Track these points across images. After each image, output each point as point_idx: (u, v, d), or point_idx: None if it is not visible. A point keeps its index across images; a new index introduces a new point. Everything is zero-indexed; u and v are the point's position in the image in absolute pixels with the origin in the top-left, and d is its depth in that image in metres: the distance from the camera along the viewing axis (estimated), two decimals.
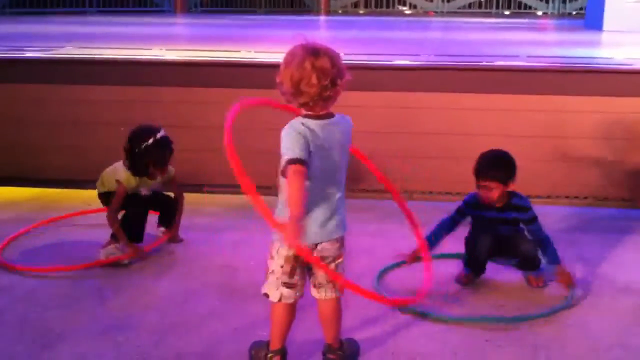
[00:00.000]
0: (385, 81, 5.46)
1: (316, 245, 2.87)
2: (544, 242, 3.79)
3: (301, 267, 2.93)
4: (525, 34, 11.45)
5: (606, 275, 4.09)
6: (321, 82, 2.67)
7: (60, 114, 5.77)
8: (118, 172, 4.20)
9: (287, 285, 2.92)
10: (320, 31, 11.35)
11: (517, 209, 3.79)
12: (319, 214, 2.82)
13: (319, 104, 2.73)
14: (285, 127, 2.74)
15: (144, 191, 4.28)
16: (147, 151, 4.10)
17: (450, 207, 3.96)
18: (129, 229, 4.17)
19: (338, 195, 2.86)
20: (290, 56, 2.72)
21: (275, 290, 2.94)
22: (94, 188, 4.39)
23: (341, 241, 2.94)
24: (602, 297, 3.81)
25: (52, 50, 6.61)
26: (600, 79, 5.37)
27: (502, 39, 9.93)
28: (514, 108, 5.29)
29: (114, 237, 4.17)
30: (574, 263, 4.20)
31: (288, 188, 2.67)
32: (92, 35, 9.94)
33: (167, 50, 6.80)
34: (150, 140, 4.10)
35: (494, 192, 3.72)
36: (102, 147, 5.65)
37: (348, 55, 5.11)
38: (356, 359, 3.14)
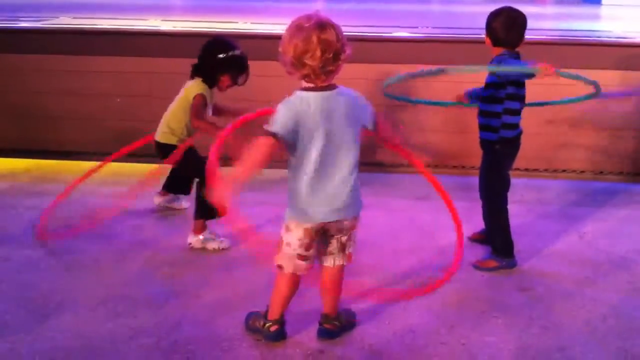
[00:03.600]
0: (381, 53, 5.43)
1: (337, 221, 2.88)
2: (514, 68, 3.57)
3: (318, 238, 2.95)
4: (524, 6, 11.38)
5: (603, 248, 4.10)
6: (325, 55, 2.66)
7: (55, 85, 5.73)
8: (193, 89, 4.08)
9: (303, 257, 2.94)
10: (317, 3, 11.28)
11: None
12: (321, 192, 2.82)
13: (320, 77, 2.72)
14: (285, 99, 2.75)
15: (209, 111, 4.19)
16: (231, 59, 4.04)
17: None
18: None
19: (345, 172, 2.83)
20: (296, 28, 2.70)
21: (289, 262, 2.95)
22: (90, 159, 4.34)
23: (353, 221, 2.95)
24: (599, 270, 3.83)
25: (47, 20, 6.55)
26: (599, 52, 5.34)
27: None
28: None
29: (199, 216, 4.06)
30: (570, 236, 4.23)
31: (250, 151, 2.68)
32: (87, 5, 9.85)
33: (162, 20, 6.75)
34: (237, 52, 4.05)
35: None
36: (97, 119, 5.67)
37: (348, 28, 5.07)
38: (352, 329, 3.16)
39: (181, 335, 3.11)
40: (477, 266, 3.80)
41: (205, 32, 5.87)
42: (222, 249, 4.04)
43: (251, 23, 6.79)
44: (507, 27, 3.64)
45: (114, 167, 4.58)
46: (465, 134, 5.11)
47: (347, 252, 3.02)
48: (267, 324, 3.07)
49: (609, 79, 5.25)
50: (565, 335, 3.17)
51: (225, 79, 4.10)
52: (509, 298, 3.51)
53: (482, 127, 3.78)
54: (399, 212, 4.63)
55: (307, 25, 2.68)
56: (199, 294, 3.49)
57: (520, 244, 3.94)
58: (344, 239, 2.98)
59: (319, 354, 2.99)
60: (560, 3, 13.79)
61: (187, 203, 4.58)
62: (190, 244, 4.06)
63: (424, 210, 4.61)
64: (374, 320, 3.25)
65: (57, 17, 6.66)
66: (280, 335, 3.07)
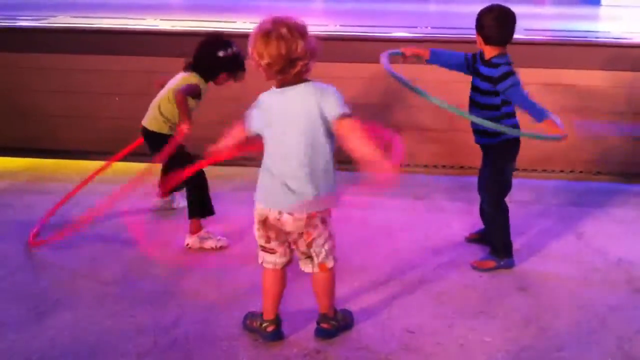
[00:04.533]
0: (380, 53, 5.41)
1: (279, 213, 2.89)
2: (524, 104, 3.58)
3: (276, 233, 2.94)
4: (523, 7, 11.38)
5: (601, 249, 4.11)
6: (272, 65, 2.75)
7: (54, 84, 5.73)
8: (192, 79, 4.06)
9: (265, 249, 3.00)
10: (316, 3, 11.26)
11: (493, 65, 3.62)
12: (268, 181, 2.89)
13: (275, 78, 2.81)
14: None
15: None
16: (232, 58, 4.06)
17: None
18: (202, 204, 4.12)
19: (296, 165, 2.82)
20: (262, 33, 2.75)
21: (260, 254, 3.04)
22: (88, 159, 4.34)
23: (308, 220, 2.89)
24: (597, 270, 3.84)
25: (47, 19, 6.55)
26: (598, 52, 5.35)
27: None
28: None
29: (194, 218, 4.10)
30: (568, 236, 4.24)
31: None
32: (87, 4, 9.84)
33: (161, 20, 6.74)
34: (236, 50, 4.07)
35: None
36: (96, 117, 5.67)
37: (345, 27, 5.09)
38: (350, 328, 3.17)
39: (180, 335, 3.11)
40: (475, 266, 3.81)
41: (205, 32, 5.87)
42: (221, 247, 4.04)
43: (250, 22, 6.79)
44: (499, 25, 3.61)
45: (114, 166, 4.57)
46: (461, 132, 5.11)
47: (316, 261, 2.99)
48: (264, 324, 3.08)
49: (605, 79, 5.26)
50: (563, 336, 3.17)
51: (224, 76, 4.12)
52: (506, 298, 3.51)
53: (480, 133, 3.76)
54: (394, 212, 4.63)
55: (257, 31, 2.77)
56: (197, 293, 3.50)
57: (517, 244, 3.95)
58: (300, 245, 2.96)
59: (316, 353, 3.00)
60: (559, 3, 13.79)
61: (183, 201, 4.52)
62: (188, 244, 4.06)
63: (421, 209, 4.62)
64: (371, 320, 3.25)
65: (56, 16, 6.65)
66: (276, 335, 3.08)
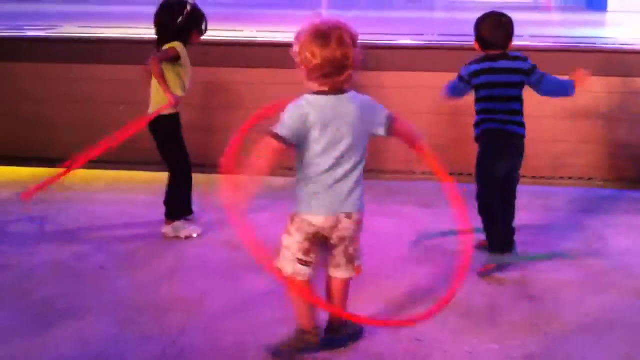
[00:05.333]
0: (390, 60, 5.42)
1: (337, 218, 2.86)
2: (551, 82, 3.78)
3: (320, 244, 2.94)
4: (528, 14, 11.42)
5: (610, 255, 4.10)
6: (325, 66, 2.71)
7: (59, 92, 5.75)
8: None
9: (302, 262, 2.92)
10: (322, 10, 11.30)
11: (515, 58, 3.77)
12: (320, 188, 2.83)
13: (326, 82, 2.76)
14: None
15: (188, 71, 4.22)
16: (192, 15, 4.12)
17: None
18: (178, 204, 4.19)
19: (349, 168, 2.82)
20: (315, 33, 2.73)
21: (288, 265, 2.93)
22: (95, 168, 4.33)
23: (356, 219, 2.91)
24: (606, 276, 3.82)
25: (53, 29, 6.57)
26: (604, 58, 5.34)
27: None
28: None
29: (170, 214, 4.19)
30: (576, 243, 4.22)
31: (259, 153, 2.69)
32: (89, 14, 9.89)
33: None
34: (189, 5, 4.12)
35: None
36: (100, 127, 5.66)
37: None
38: (358, 339, 3.15)
39: (187, 343, 3.10)
40: (482, 272, 3.79)
41: (210, 41, 5.88)
42: (195, 236, 4.11)
43: (256, 31, 6.80)
44: (492, 29, 3.73)
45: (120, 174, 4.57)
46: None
47: (355, 264, 3.01)
48: (309, 336, 3.01)
49: (614, 85, 5.25)
50: (571, 341, 3.15)
51: (195, 35, 4.18)
52: (514, 304, 3.50)
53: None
54: (402, 219, 4.62)
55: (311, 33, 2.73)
56: (203, 300, 3.49)
57: (527, 250, 3.92)
58: (350, 249, 2.96)
59: None
60: (566, 10, 13.78)
61: (197, 228, 4.34)
62: (165, 233, 4.15)
63: (429, 217, 4.61)
64: (379, 329, 3.23)
65: (62, 26, 6.67)
66: (327, 341, 3.06)
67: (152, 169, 4.98)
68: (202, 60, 4.68)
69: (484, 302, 3.52)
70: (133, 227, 4.41)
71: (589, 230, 4.46)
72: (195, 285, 3.66)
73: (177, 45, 4.08)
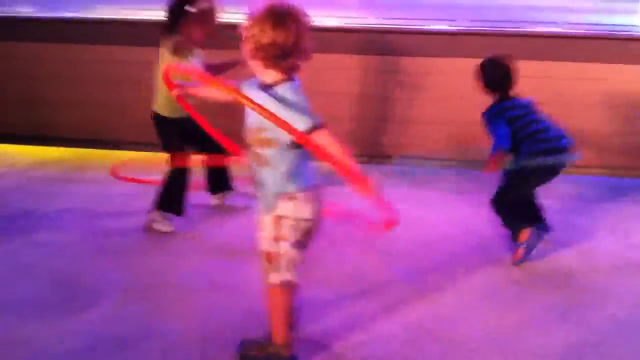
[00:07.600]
0: (421, 46, 5.37)
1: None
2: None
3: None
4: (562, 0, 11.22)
5: (637, 244, 4.05)
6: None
7: (79, 73, 5.81)
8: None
9: (300, 261, 2.69)
10: None
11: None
12: (317, 179, 2.68)
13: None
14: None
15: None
16: (201, 13, 3.84)
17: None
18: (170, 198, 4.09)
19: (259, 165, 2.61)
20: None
21: (290, 272, 2.68)
22: (115, 148, 4.27)
23: (274, 220, 2.64)
24: (632, 266, 3.79)
25: (73, 9, 6.57)
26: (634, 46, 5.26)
27: (538, 4, 9.70)
28: (552, 75, 5.24)
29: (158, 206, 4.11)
30: (604, 232, 4.17)
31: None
32: None
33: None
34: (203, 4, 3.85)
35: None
36: (123, 107, 5.70)
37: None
38: None
39: (210, 334, 3.12)
40: (515, 262, 3.77)
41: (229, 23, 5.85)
42: (166, 231, 4.06)
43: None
44: (493, 76, 3.80)
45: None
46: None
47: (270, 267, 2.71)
48: (282, 350, 2.78)
49: None
50: (597, 331, 3.13)
51: (198, 31, 3.91)
52: (540, 293, 3.47)
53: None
54: (431, 206, 4.60)
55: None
56: (236, 284, 3.50)
57: (553, 239, 3.89)
58: (265, 242, 2.70)
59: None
60: None
61: (241, 199, 4.37)
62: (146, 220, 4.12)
63: (461, 204, 4.60)
64: (416, 313, 3.23)
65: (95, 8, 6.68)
66: (295, 358, 2.82)
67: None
68: None
69: (511, 290, 3.50)
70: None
71: (617, 219, 4.40)
72: (222, 272, 3.67)
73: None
